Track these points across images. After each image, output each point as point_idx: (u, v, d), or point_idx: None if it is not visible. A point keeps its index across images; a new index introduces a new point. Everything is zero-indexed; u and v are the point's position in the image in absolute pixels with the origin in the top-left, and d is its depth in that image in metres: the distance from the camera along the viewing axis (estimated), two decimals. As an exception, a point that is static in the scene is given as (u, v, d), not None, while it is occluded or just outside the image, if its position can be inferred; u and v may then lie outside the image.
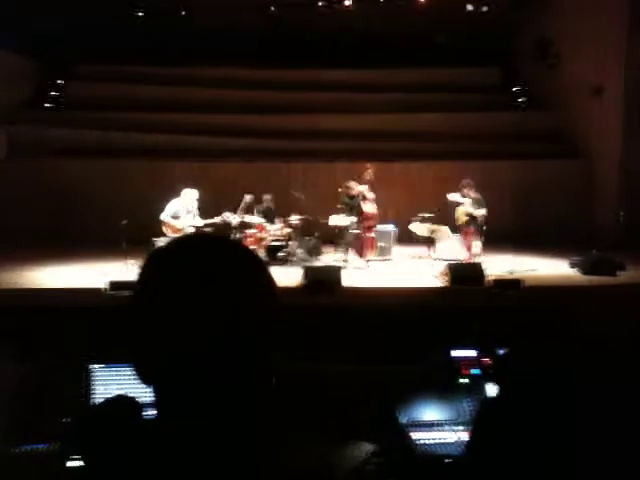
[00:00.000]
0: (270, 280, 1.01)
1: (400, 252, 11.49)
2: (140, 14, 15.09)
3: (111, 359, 2.91)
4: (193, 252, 0.98)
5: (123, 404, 1.06)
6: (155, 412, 0.96)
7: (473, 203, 10.18)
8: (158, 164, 13.96)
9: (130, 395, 1.07)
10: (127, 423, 1.01)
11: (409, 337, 5.07)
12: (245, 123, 15.23)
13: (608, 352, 2.22)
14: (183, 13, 15.35)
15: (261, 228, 10.65)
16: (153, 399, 0.96)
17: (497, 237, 10.89)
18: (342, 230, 10.66)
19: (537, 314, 5.77)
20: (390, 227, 11.61)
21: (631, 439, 1.83)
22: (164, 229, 9.81)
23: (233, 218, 10.26)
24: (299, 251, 10.79)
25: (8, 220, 12.00)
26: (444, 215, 10.67)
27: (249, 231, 10.60)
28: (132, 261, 9.04)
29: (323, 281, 8.31)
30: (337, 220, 10.71)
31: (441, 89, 15.95)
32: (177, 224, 9.75)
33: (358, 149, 14.18)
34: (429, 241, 10.56)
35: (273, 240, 10.50)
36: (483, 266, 9.00)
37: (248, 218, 10.63)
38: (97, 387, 2.91)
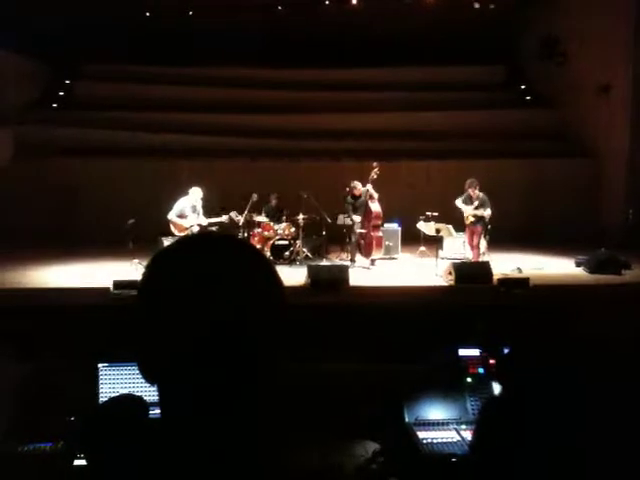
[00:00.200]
0: (277, 279, 1.01)
1: (405, 251, 11.50)
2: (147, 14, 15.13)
3: (118, 358, 2.92)
4: (199, 252, 0.98)
5: (129, 403, 1.06)
6: (160, 411, 0.97)
7: (479, 204, 10.16)
8: (165, 164, 13.99)
9: (137, 394, 1.08)
10: (132, 422, 1.02)
11: (415, 336, 5.08)
12: (251, 123, 15.24)
13: (613, 351, 2.21)
14: (190, 13, 15.37)
15: (267, 227, 10.67)
16: (158, 398, 0.97)
17: (503, 236, 10.87)
18: (348, 229, 10.67)
19: (542, 313, 5.76)
20: (396, 226, 11.63)
21: (636, 437, 1.83)
22: (171, 228, 9.85)
23: (239, 217, 10.27)
24: (305, 250, 10.81)
25: (16, 220, 12.04)
26: (449, 214, 10.64)
27: (255, 230, 10.65)
28: (138, 260, 9.07)
29: (329, 280, 8.32)
30: (343, 219, 10.73)
31: (446, 87, 15.92)
32: (184, 223, 9.79)
33: (364, 148, 14.17)
34: (435, 240, 10.54)
35: (279, 239, 10.52)
36: (490, 264, 9.00)
37: (254, 217, 10.66)
38: (104, 386, 2.92)
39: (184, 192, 10.12)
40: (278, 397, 1.03)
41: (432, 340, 3.71)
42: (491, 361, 3.09)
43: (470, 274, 8.69)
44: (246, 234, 10.44)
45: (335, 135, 14.80)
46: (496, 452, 1.84)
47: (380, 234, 10.62)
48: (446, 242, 11.24)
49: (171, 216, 9.83)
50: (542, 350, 1.98)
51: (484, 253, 10.34)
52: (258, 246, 9.90)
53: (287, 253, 10.44)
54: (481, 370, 3.10)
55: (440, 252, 10.52)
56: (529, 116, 15.54)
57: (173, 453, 0.92)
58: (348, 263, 10.22)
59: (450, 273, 8.80)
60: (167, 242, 8.89)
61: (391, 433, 2.84)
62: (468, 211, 10.24)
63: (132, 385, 2.89)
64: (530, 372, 1.92)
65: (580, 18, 14.37)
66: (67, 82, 15.99)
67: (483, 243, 10.33)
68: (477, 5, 14.87)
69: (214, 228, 10.08)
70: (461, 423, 2.89)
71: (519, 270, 9.53)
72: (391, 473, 2.32)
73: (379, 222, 10.61)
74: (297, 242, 10.68)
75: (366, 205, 10.42)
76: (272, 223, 10.75)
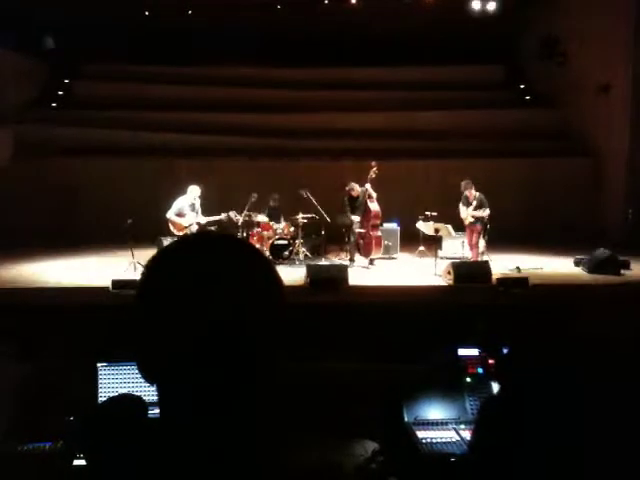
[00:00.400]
0: (277, 279, 1.00)
1: (405, 250, 11.51)
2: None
3: (117, 358, 2.92)
4: (198, 252, 0.98)
5: (128, 403, 1.06)
6: (159, 411, 0.97)
7: (477, 205, 10.16)
8: (165, 163, 13.99)
9: (136, 394, 1.08)
10: (132, 422, 1.02)
11: (414, 336, 5.08)
12: (250, 122, 15.24)
13: (612, 351, 2.22)
14: (189, 12, 15.37)
15: (266, 227, 10.67)
16: (157, 398, 0.97)
17: (503, 235, 10.87)
18: (347, 229, 10.67)
19: (541, 312, 5.77)
20: (395, 225, 11.64)
21: (636, 438, 1.83)
22: (170, 227, 9.85)
23: (237, 216, 10.27)
24: (304, 250, 10.82)
25: (16, 220, 12.03)
26: (448, 213, 10.64)
27: (254, 230, 10.65)
28: (137, 260, 9.07)
29: (328, 279, 8.32)
30: (343, 219, 10.73)
31: (446, 87, 15.92)
32: (183, 222, 9.79)
33: (363, 147, 14.17)
34: (435, 239, 10.55)
35: (278, 239, 10.52)
36: (489, 264, 9.00)
37: (253, 216, 10.66)
38: (103, 386, 2.92)
39: (183, 191, 10.13)
40: (277, 397, 1.03)
41: (431, 340, 3.71)
42: (490, 361, 3.09)
43: (469, 274, 8.69)
44: (245, 234, 10.45)
45: (334, 134, 14.80)
46: (495, 452, 1.84)
47: (379, 234, 10.62)
48: (445, 242, 11.25)
49: (170, 215, 9.83)
50: (541, 350, 1.98)
51: (483, 253, 10.36)
52: (257, 246, 9.90)
53: (286, 253, 10.44)
54: (480, 370, 3.10)
55: (439, 252, 10.53)
56: (529, 116, 15.54)
57: (172, 453, 0.92)
58: (347, 263, 10.22)
59: (449, 273, 8.80)
60: (166, 241, 8.90)
61: (390, 433, 2.84)
62: (468, 212, 10.26)
63: (131, 385, 2.89)
64: (529, 372, 1.92)
65: (580, 18, 14.38)
66: (66, 81, 15.99)
67: (482, 243, 10.34)
68: (477, 5, 14.87)
69: (213, 227, 10.08)
70: (460, 423, 2.90)
71: (518, 270, 9.54)
72: (390, 473, 2.32)
73: (378, 222, 10.61)
74: (296, 242, 10.69)
75: (365, 205, 10.42)
76: (271, 223, 10.75)
